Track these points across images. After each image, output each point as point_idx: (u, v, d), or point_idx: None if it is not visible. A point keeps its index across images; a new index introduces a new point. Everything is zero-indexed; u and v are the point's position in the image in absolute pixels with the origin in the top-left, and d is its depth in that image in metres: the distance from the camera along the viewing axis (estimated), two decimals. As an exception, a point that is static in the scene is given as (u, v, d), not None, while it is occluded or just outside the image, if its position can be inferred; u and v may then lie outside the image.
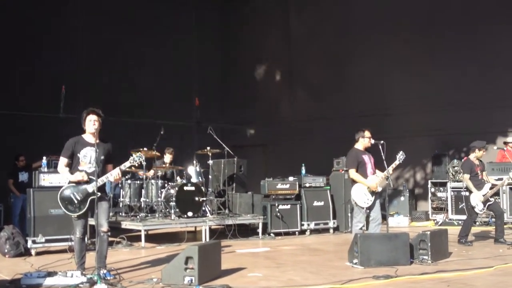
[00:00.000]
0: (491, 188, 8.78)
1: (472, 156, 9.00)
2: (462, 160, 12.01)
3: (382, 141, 7.52)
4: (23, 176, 10.95)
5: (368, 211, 7.54)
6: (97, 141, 6.07)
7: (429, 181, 12.95)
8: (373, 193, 7.49)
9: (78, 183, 5.98)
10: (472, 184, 8.80)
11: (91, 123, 6.07)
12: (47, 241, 8.12)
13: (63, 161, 6.07)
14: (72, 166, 6.08)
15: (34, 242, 8.04)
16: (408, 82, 13.93)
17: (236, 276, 6.29)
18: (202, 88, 16.61)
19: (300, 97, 16.62)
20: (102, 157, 6.04)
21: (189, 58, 16.64)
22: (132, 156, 6.11)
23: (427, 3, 13.80)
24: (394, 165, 7.59)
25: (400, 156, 7.59)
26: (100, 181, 5.95)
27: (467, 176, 8.89)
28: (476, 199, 8.76)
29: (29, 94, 13.19)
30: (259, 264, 7.29)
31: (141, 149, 9.75)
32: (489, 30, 12.78)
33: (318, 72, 15.94)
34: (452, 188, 12.15)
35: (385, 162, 7.45)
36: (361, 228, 7.58)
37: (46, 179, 8.40)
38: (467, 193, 9.01)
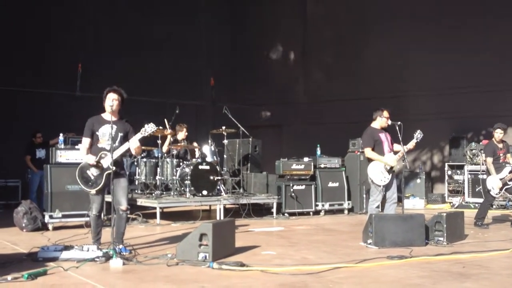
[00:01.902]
0: (510, 172, 8.66)
1: (495, 139, 8.86)
2: (481, 143, 11.92)
3: (399, 122, 7.43)
4: (40, 153, 11.07)
5: (384, 189, 7.48)
6: (115, 118, 6.10)
7: (446, 164, 12.85)
8: (390, 171, 7.42)
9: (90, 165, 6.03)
10: (493, 168, 8.69)
11: (110, 101, 6.10)
12: (64, 216, 8.25)
13: (85, 141, 6.14)
14: (93, 144, 6.14)
15: (51, 217, 8.16)
16: (425, 64, 13.73)
17: (249, 254, 6.32)
18: (217, 68, 16.53)
19: (315, 77, 16.49)
20: (121, 134, 6.07)
21: (203, 37, 16.57)
22: (144, 127, 6.10)
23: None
24: (412, 145, 7.52)
25: (418, 135, 7.53)
26: (115, 155, 5.95)
27: (490, 159, 8.77)
28: (493, 182, 8.66)
29: (46, 72, 13.26)
30: (273, 242, 7.30)
31: (157, 128, 9.75)
32: (509, 12, 12.51)
33: (333, 53, 15.79)
34: (469, 171, 12.05)
35: (401, 143, 7.38)
36: (377, 207, 7.53)
37: (63, 156, 8.51)
38: (485, 176, 8.91)
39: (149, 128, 6.09)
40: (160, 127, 9.88)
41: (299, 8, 16.80)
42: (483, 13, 12.85)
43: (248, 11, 17.52)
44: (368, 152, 7.57)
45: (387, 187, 7.48)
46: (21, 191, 11.79)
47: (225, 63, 17.27)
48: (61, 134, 8.92)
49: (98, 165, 6.01)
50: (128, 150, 6.08)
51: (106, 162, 5.98)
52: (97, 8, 14.30)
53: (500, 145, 8.84)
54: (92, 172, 6.01)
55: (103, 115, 6.22)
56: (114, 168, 5.92)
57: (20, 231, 8.04)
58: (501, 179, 8.63)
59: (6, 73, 12.63)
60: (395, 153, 7.52)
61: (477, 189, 11.71)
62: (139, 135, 6.08)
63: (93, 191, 6.06)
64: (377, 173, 7.44)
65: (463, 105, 12.96)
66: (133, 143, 6.02)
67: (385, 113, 7.65)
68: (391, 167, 7.42)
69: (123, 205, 6.07)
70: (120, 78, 13.04)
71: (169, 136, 10.37)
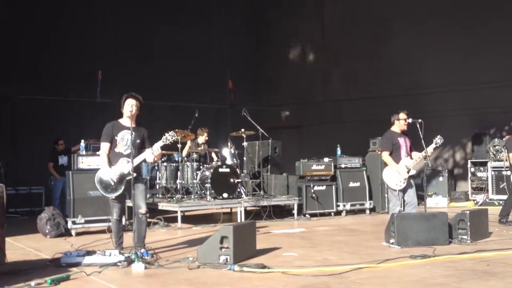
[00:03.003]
0: (534, 168, 8.51)
1: None
2: (504, 139, 11.73)
3: (420, 120, 7.33)
4: (62, 160, 11.20)
5: (401, 193, 7.39)
6: (134, 125, 6.16)
7: (469, 161, 12.67)
8: (405, 176, 7.31)
9: (114, 165, 6.08)
10: None
11: (128, 107, 6.14)
12: (86, 222, 8.34)
13: (105, 146, 6.18)
14: (110, 148, 6.18)
15: (74, 223, 8.26)
16: (446, 60, 13.56)
17: (271, 256, 6.30)
18: (235, 70, 16.55)
19: (334, 77, 16.42)
20: (138, 141, 6.14)
21: (221, 40, 16.61)
22: (165, 135, 6.15)
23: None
24: (431, 149, 7.37)
25: (438, 140, 7.38)
26: (136, 162, 6.01)
27: None
28: (519, 178, 8.52)
29: (66, 80, 13.44)
30: (294, 244, 7.27)
31: (176, 131, 9.82)
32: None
33: (352, 52, 15.67)
34: (493, 167, 11.85)
35: (423, 141, 7.27)
36: (399, 212, 7.41)
37: (84, 162, 8.61)
38: (509, 172, 8.76)
39: (170, 136, 6.14)
40: (177, 130, 9.94)
41: (318, 8, 16.74)
42: (506, 5, 12.62)
43: (267, 13, 17.49)
44: (385, 156, 7.49)
45: (404, 191, 7.37)
46: (45, 198, 11.95)
47: (244, 65, 17.26)
48: (82, 141, 9.02)
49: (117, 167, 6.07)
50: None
51: (127, 168, 6.03)
52: (116, 15, 14.43)
53: None
54: (112, 178, 6.06)
55: (120, 120, 6.26)
56: (135, 174, 5.96)
57: (43, 237, 8.14)
58: (525, 175, 8.48)
59: (27, 81, 12.83)
60: (412, 159, 7.41)
61: (501, 186, 11.52)
62: (160, 143, 6.12)
63: (112, 197, 6.11)
64: (392, 178, 7.35)
65: (485, 101, 12.77)
66: (155, 151, 6.06)
67: (402, 115, 7.51)
68: (407, 171, 7.31)
69: (143, 209, 6.11)
70: (139, 84, 13.32)
71: (188, 141, 10.42)
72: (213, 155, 10.63)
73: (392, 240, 6.70)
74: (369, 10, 15.17)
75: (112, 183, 6.07)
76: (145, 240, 6.24)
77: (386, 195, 10.71)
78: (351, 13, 15.76)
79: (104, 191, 6.12)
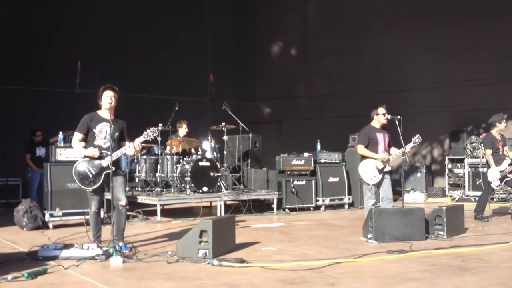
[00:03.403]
0: (510, 165, 8.65)
1: (494, 131, 8.85)
2: (481, 136, 11.91)
3: (398, 116, 7.41)
4: (40, 151, 11.06)
5: (376, 188, 7.45)
6: (112, 117, 6.10)
7: (446, 157, 12.85)
8: (381, 171, 7.38)
9: (93, 157, 6.03)
10: (493, 160, 8.68)
11: (107, 98, 6.07)
12: (64, 214, 8.25)
13: (77, 136, 6.10)
14: (87, 141, 6.12)
15: (51, 215, 8.17)
16: (425, 58, 13.71)
17: (250, 250, 6.32)
18: (216, 64, 16.47)
19: (315, 73, 16.48)
20: (117, 133, 6.07)
21: (203, 34, 16.47)
22: (146, 131, 6.12)
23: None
24: (409, 147, 7.45)
25: (416, 139, 7.47)
26: (115, 155, 5.99)
27: (489, 151, 8.74)
28: (493, 175, 8.66)
29: (45, 70, 13.26)
30: (274, 238, 7.31)
31: (158, 126, 9.79)
32: (508, 7, 12.47)
33: (333, 49, 15.74)
34: (470, 164, 12.05)
35: (401, 137, 7.35)
36: (373, 205, 7.49)
37: (62, 154, 8.50)
38: (485, 169, 8.91)
39: (152, 132, 6.10)
40: (160, 124, 9.91)
41: (300, 4, 16.76)
42: (483, 7, 12.80)
43: (250, 7, 17.47)
44: (361, 149, 7.54)
45: (378, 185, 7.43)
46: (22, 190, 11.81)
47: (225, 59, 17.22)
48: (60, 132, 8.90)
49: (99, 159, 6.01)
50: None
51: (106, 161, 5.98)
52: (97, 6, 14.25)
53: (499, 137, 8.83)
54: (91, 170, 6.00)
55: (99, 112, 6.19)
56: (113, 168, 5.92)
57: (20, 230, 8.05)
58: (500, 172, 8.62)
59: (4, 71, 12.63)
60: (390, 154, 7.47)
61: (477, 183, 11.71)
62: (141, 139, 6.07)
63: (90, 189, 6.06)
64: (367, 172, 7.40)
65: (463, 98, 12.95)
66: (136, 146, 6.01)
67: (380, 110, 7.55)
68: (382, 167, 7.38)
69: (123, 201, 6.07)
70: (119, 76, 13.20)
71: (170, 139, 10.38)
72: (193, 150, 10.58)
73: (370, 235, 6.77)
74: (351, 7, 15.22)
75: (90, 175, 6.01)
76: (124, 233, 6.21)
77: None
78: (333, 10, 15.80)
79: (81, 184, 6.05)
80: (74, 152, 8.30)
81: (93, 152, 5.99)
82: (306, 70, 16.62)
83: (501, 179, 8.64)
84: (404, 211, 7.04)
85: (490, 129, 8.98)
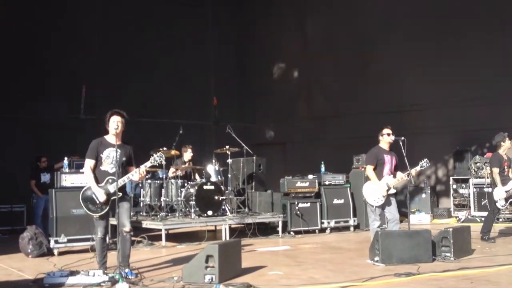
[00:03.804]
0: (515, 185, 8.63)
1: (501, 150, 8.86)
2: (485, 156, 11.91)
3: (402, 138, 7.44)
4: (45, 177, 11.07)
5: (380, 210, 7.43)
6: (119, 142, 6.14)
7: (451, 178, 12.81)
8: (384, 193, 7.35)
9: (99, 183, 6.04)
10: (499, 179, 8.66)
11: (114, 124, 6.11)
12: (69, 241, 8.21)
13: (89, 162, 6.12)
14: (96, 166, 6.14)
15: (56, 242, 8.14)
16: (427, 78, 13.74)
17: (256, 275, 6.29)
18: (220, 87, 16.63)
19: (317, 94, 16.55)
20: (124, 159, 6.11)
21: (206, 58, 16.69)
22: (153, 156, 6.14)
23: (444, 1, 13.59)
24: (415, 171, 7.43)
25: (424, 164, 7.42)
26: (122, 181, 6.02)
27: (496, 170, 8.72)
28: (499, 194, 8.62)
29: (50, 96, 13.34)
30: (280, 262, 7.27)
31: (161, 149, 9.84)
32: (510, 23, 12.56)
33: (335, 70, 15.82)
34: (475, 184, 12.00)
35: (405, 159, 7.36)
36: (379, 227, 7.46)
37: (67, 180, 8.51)
38: (491, 189, 8.88)
39: (158, 158, 6.13)
40: (165, 148, 9.97)
41: (301, 26, 16.93)
42: (485, 26, 12.87)
43: (252, 31, 17.64)
44: (369, 170, 7.56)
45: (382, 207, 7.42)
46: (26, 216, 11.75)
47: (228, 82, 17.36)
48: (65, 158, 8.94)
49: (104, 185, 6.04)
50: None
51: (112, 187, 5.99)
52: (102, 31, 14.44)
53: (505, 157, 8.83)
54: (99, 198, 6.01)
55: (106, 137, 6.23)
56: (120, 194, 5.94)
57: (25, 257, 8.02)
58: (506, 191, 8.58)
59: (9, 98, 12.72)
60: (395, 177, 7.47)
61: (482, 203, 11.66)
62: (148, 164, 6.10)
63: (96, 216, 6.07)
64: (371, 193, 7.41)
65: (467, 118, 12.95)
66: (142, 171, 6.04)
67: (385, 130, 7.59)
68: (387, 189, 7.37)
69: (127, 227, 6.08)
70: (124, 100, 13.31)
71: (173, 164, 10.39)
72: (197, 176, 10.57)
73: (376, 258, 6.73)
74: (352, 28, 15.35)
75: (97, 202, 6.03)
76: (129, 259, 6.19)
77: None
78: (334, 31, 15.93)
79: (88, 210, 6.07)
80: (79, 178, 8.37)
81: (101, 196, 5.98)
82: (308, 91, 16.70)
83: (506, 199, 8.61)
84: (411, 233, 7.01)
85: (497, 149, 9.00)
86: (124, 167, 6.15)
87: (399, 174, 7.50)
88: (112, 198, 5.99)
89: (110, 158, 6.11)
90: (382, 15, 14.62)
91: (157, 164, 6.40)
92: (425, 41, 13.77)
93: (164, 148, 9.94)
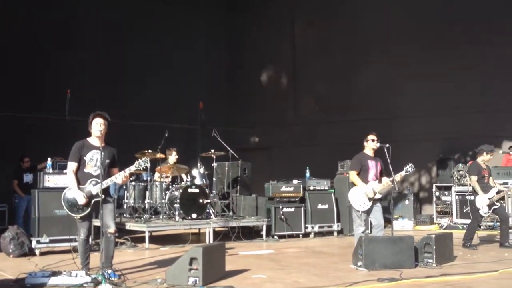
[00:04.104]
0: (497, 193, 8.73)
1: (479, 159, 8.96)
2: (468, 164, 12.03)
3: (387, 145, 7.48)
4: (27, 177, 10.98)
5: (366, 215, 7.48)
6: (103, 144, 6.11)
7: (434, 185, 12.92)
8: (370, 198, 7.40)
9: (83, 185, 6.00)
10: (479, 186, 8.76)
11: (97, 126, 6.08)
12: (51, 241, 8.14)
13: (72, 165, 6.07)
14: (79, 168, 6.10)
15: (38, 242, 8.06)
16: (413, 86, 13.89)
17: (240, 278, 6.28)
18: (207, 91, 16.60)
19: (305, 101, 16.63)
20: (108, 161, 6.06)
21: (194, 61, 16.65)
22: (138, 160, 6.11)
23: (433, 10, 13.73)
24: (400, 176, 7.48)
25: (409, 169, 7.44)
26: (105, 184, 5.97)
27: (474, 177, 8.83)
28: (482, 201, 8.71)
29: (34, 97, 13.24)
30: (264, 266, 7.27)
31: (146, 151, 9.81)
32: (497, 34, 12.72)
33: (323, 77, 15.91)
34: (457, 192, 12.12)
35: (390, 166, 7.41)
36: (363, 232, 7.49)
37: (50, 180, 8.43)
38: (473, 197, 8.98)
39: (143, 163, 6.09)
40: (150, 151, 9.93)
41: (291, 33, 16.99)
42: (472, 37, 13.03)
43: (241, 36, 17.68)
44: (352, 175, 7.60)
45: (368, 212, 7.46)
46: (8, 216, 11.64)
47: (216, 86, 17.37)
48: (49, 159, 8.86)
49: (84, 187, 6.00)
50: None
51: (95, 189, 5.95)
52: (88, 33, 14.37)
53: (484, 167, 8.95)
54: (80, 201, 5.96)
55: (89, 139, 6.19)
56: (103, 196, 5.90)
57: (6, 257, 7.93)
58: (489, 199, 8.67)
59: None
60: (380, 183, 7.50)
61: (465, 210, 11.76)
62: (133, 168, 6.08)
63: (78, 217, 6.02)
64: (357, 199, 7.44)
65: (450, 127, 13.09)
66: (125, 175, 6.03)
67: (370, 136, 7.62)
68: (373, 194, 7.41)
69: (111, 228, 6.04)
70: (109, 102, 13.21)
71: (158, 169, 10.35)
72: (184, 176, 10.56)
73: (360, 263, 6.76)
74: (341, 34, 15.44)
75: (78, 204, 5.98)
76: (112, 260, 6.15)
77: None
78: (323, 37, 16.02)
79: (70, 211, 6.02)
80: (62, 179, 8.30)
81: (81, 199, 5.94)
82: (297, 96, 16.75)
83: (489, 206, 8.69)
84: (394, 239, 7.06)
85: (477, 156, 9.10)
86: (108, 169, 6.11)
87: (384, 179, 7.54)
88: (94, 199, 5.95)
89: (93, 160, 6.07)
90: (372, 23, 14.73)
91: (141, 169, 6.38)
92: (412, 50, 13.92)
93: (149, 151, 9.92)
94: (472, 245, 8.77)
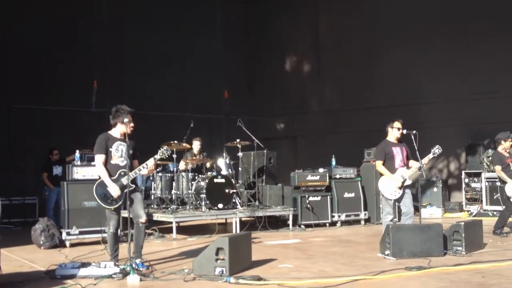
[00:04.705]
0: (526, 179, 8.54)
1: (500, 148, 8.81)
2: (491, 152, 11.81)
3: (414, 131, 7.35)
4: (57, 170, 11.15)
5: (396, 203, 7.39)
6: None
7: (463, 172, 12.73)
8: (401, 186, 7.30)
9: (113, 176, 6.07)
10: (505, 175, 8.59)
11: (129, 124, 6.15)
12: (80, 233, 8.28)
13: (100, 158, 6.15)
14: (106, 160, 6.18)
15: (68, 234, 8.21)
16: (439, 72, 13.65)
17: (266, 267, 6.29)
18: (230, 81, 16.60)
19: (329, 88, 16.49)
20: (131, 151, 6.17)
21: (216, 51, 16.66)
22: (160, 149, 6.20)
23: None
24: (428, 159, 7.37)
25: (436, 150, 7.34)
26: (133, 174, 6.09)
27: (498, 167, 8.69)
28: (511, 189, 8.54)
29: (62, 89, 13.43)
30: (290, 255, 7.27)
31: (172, 142, 9.86)
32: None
33: (347, 63, 15.74)
34: (487, 178, 11.92)
35: (417, 152, 7.30)
36: (391, 220, 7.41)
37: (79, 172, 8.56)
38: (502, 184, 8.81)
39: (165, 151, 6.21)
40: (175, 141, 9.99)
41: (313, 21, 16.81)
42: (497, 19, 12.74)
43: (263, 24, 17.58)
44: (378, 165, 7.50)
45: (398, 200, 7.37)
46: (38, 209, 11.87)
47: (239, 75, 17.35)
48: (77, 151, 8.99)
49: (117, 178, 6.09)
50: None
51: (125, 179, 6.03)
52: (113, 26, 14.47)
53: (506, 154, 8.77)
54: (115, 192, 6.04)
55: (111, 132, 6.28)
56: (133, 186, 5.99)
57: (37, 249, 8.09)
58: (520, 184, 8.47)
59: (21, 90, 12.83)
60: (409, 168, 7.40)
61: (495, 197, 11.58)
62: (157, 156, 6.19)
63: (112, 208, 6.10)
64: (387, 187, 7.34)
65: (479, 112, 12.84)
66: (150, 165, 6.11)
67: (396, 124, 7.48)
68: (403, 181, 7.31)
69: (143, 218, 6.12)
70: (134, 93, 13.35)
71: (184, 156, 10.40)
72: (208, 165, 10.60)
73: (387, 252, 6.71)
74: (363, 22, 15.25)
75: (111, 195, 6.05)
76: (142, 250, 6.22)
77: (380, 205, 10.74)
78: (345, 25, 15.83)
79: (103, 203, 6.08)
80: (91, 171, 8.41)
81: (116, 191, 6.01)
82: (320, 85, 16.62)
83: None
84: (422, 227, 6.97)
85: (496, 146, 8.93)
86: (131, 160, 6.19)
87: (412, 162, 7.40)
88: (125, 190, 6.02)
89: (119, 151, 6.17)
90: (394, 11, 14.49)
91: (165, 157, 6.45)
92: (437, 37, 13.68)
93: (175, 142, 9.98)
94: (502, 232, 8.61)
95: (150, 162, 6.14)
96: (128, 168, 5.99)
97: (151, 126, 12.96)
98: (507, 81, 12.54)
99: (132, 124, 6.16)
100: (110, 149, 6.16)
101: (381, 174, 7.51)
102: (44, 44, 13.37)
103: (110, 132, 6.29)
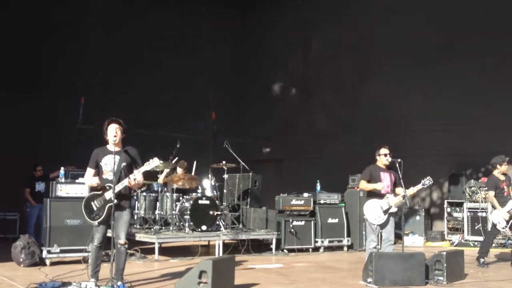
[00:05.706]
0: (515, 204, 8.60)
1: (495, 172, 8.84)
2: (480, 181, 11.95)
3: (399, 160, 7.42)
4: (40, 186, 11.05)
5: (380, 229, 7.42)
6: (119, 149, 6.15)
7: (445, 201, 12.82)
8: (385, 211, 7.37)
9: (100, 191, 6.03)
10: (497, 202, 8.64)
11: (113, 132, 6.13)
12: (62, 251, 8.17)
13: (89, 172, 6.16)
14: (98, 175, 6.17)
15: (49, 252, 8.10)
16: (425, 101, 13.81)
17: (249, 292, 6.27)
18: (218, 102, 16.66)
19: (316, 113, 16.61)
20: (124, 164, 6.10)
21: (205, 72, 16.72)
22: (148, 161, 6.11)
23: (443, 24, 13.69)
24: (417, 189, 7.40)
25: (426, 181, 7.36)
26: (117, 188, 5.97)
27: (492, 193, 8.71)
28: (499, 216, 8.58)
29: (48, 104, 13.34)
30: (272, 280, 7.25)
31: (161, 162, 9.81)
32: (508, 49, 12.66)
33: (334, 89, 15.91)
34: (469, 208, 12.02)
35: (401, 180, 7.37)
36: (374, 247, 7.44)
37: (63, 190, 8.47)
38: (490, 211, 8.85)
39: (153, 163, 6.09)
40: (162, 162, 9.95)
41: (302, 44, 17.05)
42: (482, 51, 12.97)
43: (252, 46, 17.76)
44: (362, 183, 7.51)
45: (382, 226, 7.40)
46: (19, 225, 11.71)
47: (227, 97, 17.42)
48: (62, 168, 8.92)
49: (102, 192, 6.03)
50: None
51: (109, 194, 5.98)
52: (101, 43, 14.49)
53: (502, 178, 8.81)
54: (96, 204, 6.01)
55: (108, 146, 6.25)
56: (116, 201, 5.91)
57: (17, 266, 7.98)
58: (508, 211, 8.51)
59: (6, 104, 12.70)
60: (395, 195, 7.45)
61: (476, 227, 11.66)
62: (142, 168, 6.08)
63: (95, 223, 6.04)
64: (372, 211, 7.38)
65: (463, 142, 12.98)
66: (137, 176, 6.02)
67: (383, 150, 7.54)
68: (387, 208, 7.35)
69: (122, 239, 6.05)
70: (121, 112, 13.11)
71: (165, 170, 10.34)
72: (193, 184, 10.58)
73: (369, 279, 6.72)
74: (353, 47, 15.45)
75: (95, 208, 6.01)
76: (123, 273, 6.15)
77: (364, 232, 10.76)
78: (335, 49, 16.04)
79: (88, 217, 6.04)
80: (75, 188, 8.36)
81: (95, 181, 6.05)
82: (308, 109, 16.74)
83: (507, 221, 8.52)
84: (405, 255, 7.01)
85: (492, 171, 8.99)
86: (127, 172, 6.11)
87: (399, 190, 7.41)
88: (108, 204, 5.96)
89: (108, 165, 6.12)
90: (383, 37, 14.73)
91: (151, 170, 6.32)
92: (424, 65, 13.86)
93: (161, 162, 9.93)
94: (484, 262, 8.67)
95: (138, 175, 6.03)
96: (114, 183, 5.93)
97: (137, 145, 12.86)
98: (492, 112, 12.70)
99: (114, 133, 6.08)
100: (100, 163, 6.14)
101: (366, 198, 7.52)
102: (31, 58, 13.29)
103: (107, 145, 6.25)
